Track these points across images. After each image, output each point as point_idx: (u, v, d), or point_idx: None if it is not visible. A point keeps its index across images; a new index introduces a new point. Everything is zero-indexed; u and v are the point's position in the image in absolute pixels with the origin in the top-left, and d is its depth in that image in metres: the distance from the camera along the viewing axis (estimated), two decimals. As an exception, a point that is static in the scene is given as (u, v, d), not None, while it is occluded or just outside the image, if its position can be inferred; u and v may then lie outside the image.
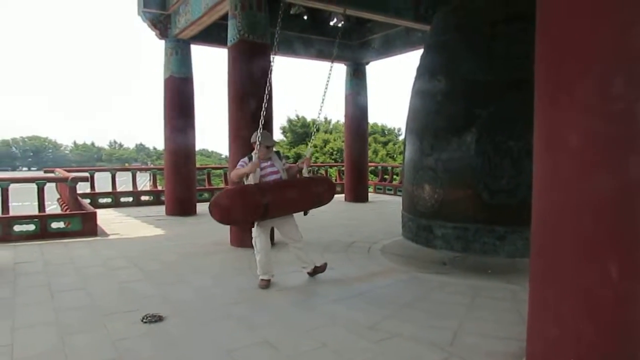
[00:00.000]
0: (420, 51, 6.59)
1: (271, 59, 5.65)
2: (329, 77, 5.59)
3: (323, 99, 5.58)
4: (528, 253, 2.91)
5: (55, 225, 8.10)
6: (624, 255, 2.43)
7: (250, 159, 5.02)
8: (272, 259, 5.24)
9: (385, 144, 34.49)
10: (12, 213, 8.17)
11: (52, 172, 12.26)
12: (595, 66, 2.43)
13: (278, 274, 5.36)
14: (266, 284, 5.11)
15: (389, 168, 17.76)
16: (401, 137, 35.22)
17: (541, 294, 2.76)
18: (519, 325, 3.78)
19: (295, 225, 5.30)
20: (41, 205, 8.59)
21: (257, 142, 4.97)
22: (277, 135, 35.16)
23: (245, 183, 4.96)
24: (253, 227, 5.17)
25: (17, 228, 7.75)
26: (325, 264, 5.52)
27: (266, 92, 5.25)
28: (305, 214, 5.41)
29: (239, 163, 5.07)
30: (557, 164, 2.61)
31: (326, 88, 5.60)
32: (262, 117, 5.12)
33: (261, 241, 5.11)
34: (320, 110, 5.75)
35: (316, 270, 5.45)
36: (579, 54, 2.48)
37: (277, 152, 5.36)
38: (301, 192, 5.32)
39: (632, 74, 2.36)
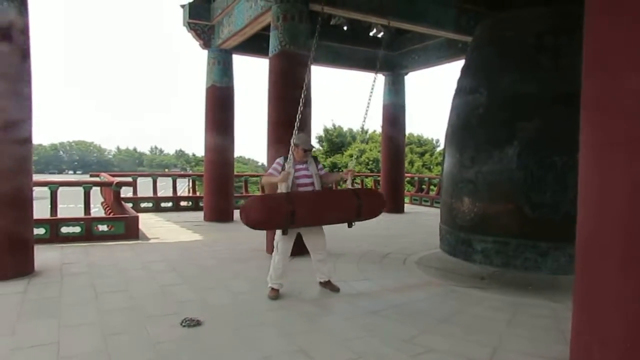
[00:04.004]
0: (460, 62, 6.51)
1: (309, 68, 5.70)
2: (372, 89, 5.59)
3: (367, 110, 5.61)
4: (571, 270, 2.84)
5: (99, 228, 8.39)
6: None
7: (286, 159, 4.98)
8: (288, 267, 5.10)
9: (421, 154, 34.20)
10: (59, 215, 8.51)
11: (98, 176, 12.69)
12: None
13: (315, 283, 5.36)
14: (275, 294, 4.98)
15: (426, 179, 17.60)
16: (439, 149, 34.84)
17: (586, 317, 2.67)
18: (560, 344, 3.67)
19: (323, 236, 5.18)
20: (87, 208, 8.91)
21: (293, 145, 4.99)
22: (314, 144, 35.38)
23: (278, 191, 4.89)
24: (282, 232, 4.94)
25: (64, 230, 8.05)
26: (339, 289, 5.28)
27: (302, 96, 5.31)
28: (349, 225, 5.13)
29: (274, 165, 5.08)
30: (604, 178, 2.53)
31: (369, 100, 5.61)
32: (297, 121, 5.19)
33: (283, 245, 4.96)
34: (364, 121, 5.74)
35: (328, 285, 5.28)
36: (624, 59, 2.42)
37: (315, 158, 5.29)
38: (338, 204, 5.09)
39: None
